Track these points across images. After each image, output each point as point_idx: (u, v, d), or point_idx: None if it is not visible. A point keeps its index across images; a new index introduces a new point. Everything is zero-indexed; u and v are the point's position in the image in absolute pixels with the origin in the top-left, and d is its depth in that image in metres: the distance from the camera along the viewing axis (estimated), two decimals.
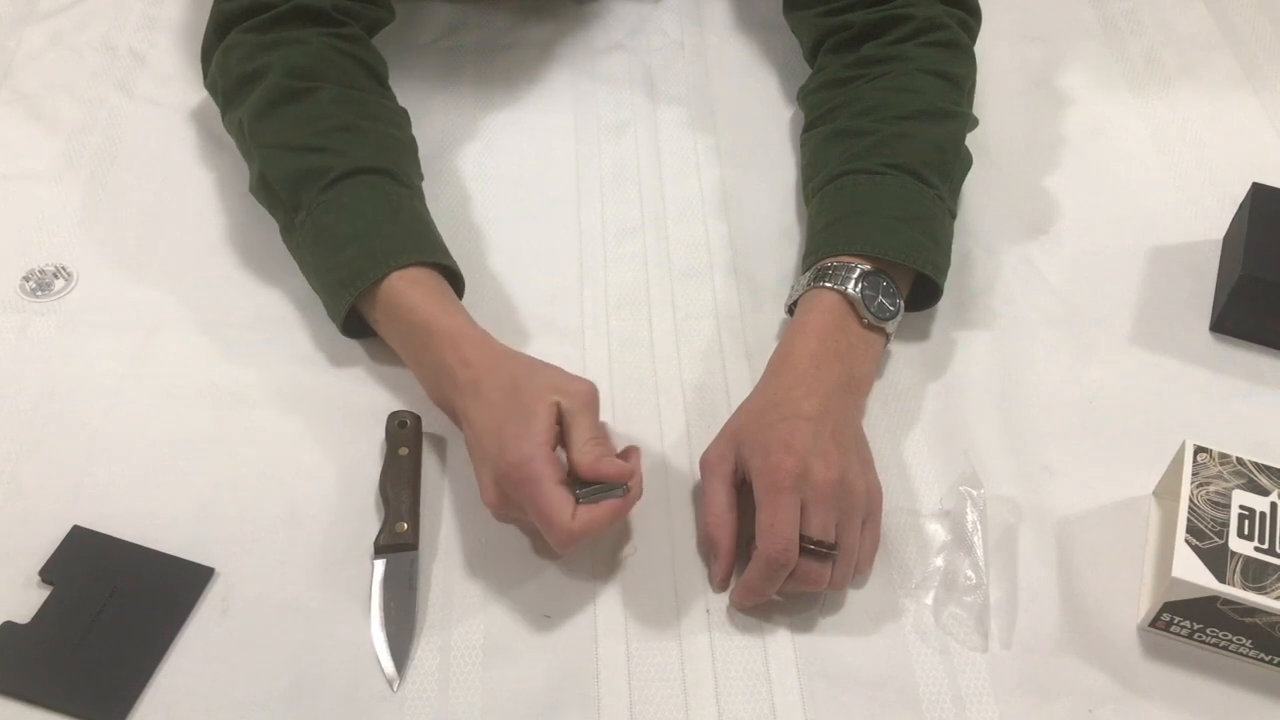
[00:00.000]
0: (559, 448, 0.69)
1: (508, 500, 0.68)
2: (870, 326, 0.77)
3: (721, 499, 0.71)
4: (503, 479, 0.67)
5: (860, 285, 0.77)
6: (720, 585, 0.71)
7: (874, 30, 0.92)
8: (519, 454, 0.66)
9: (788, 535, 0.66)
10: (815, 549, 0.67)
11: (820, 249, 0.81)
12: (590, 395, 0.70)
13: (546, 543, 0.73)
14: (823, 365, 0.74)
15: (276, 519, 0.74)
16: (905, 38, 0.91)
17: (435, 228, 0.83)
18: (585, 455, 0.68)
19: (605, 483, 0.67)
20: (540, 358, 0.73)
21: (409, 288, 0.76)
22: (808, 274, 0.80)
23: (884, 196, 0.81)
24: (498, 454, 0.67)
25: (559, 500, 0.65)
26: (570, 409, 0.69)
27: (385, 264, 0.76)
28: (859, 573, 0.71)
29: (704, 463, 0.73)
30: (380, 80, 0.90)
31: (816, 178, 0.87)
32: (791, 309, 0.82)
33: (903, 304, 0.79)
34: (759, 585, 0.68)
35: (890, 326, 0.79)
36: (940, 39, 0.91)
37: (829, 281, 0.78)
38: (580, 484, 0.67)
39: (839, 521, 0.68)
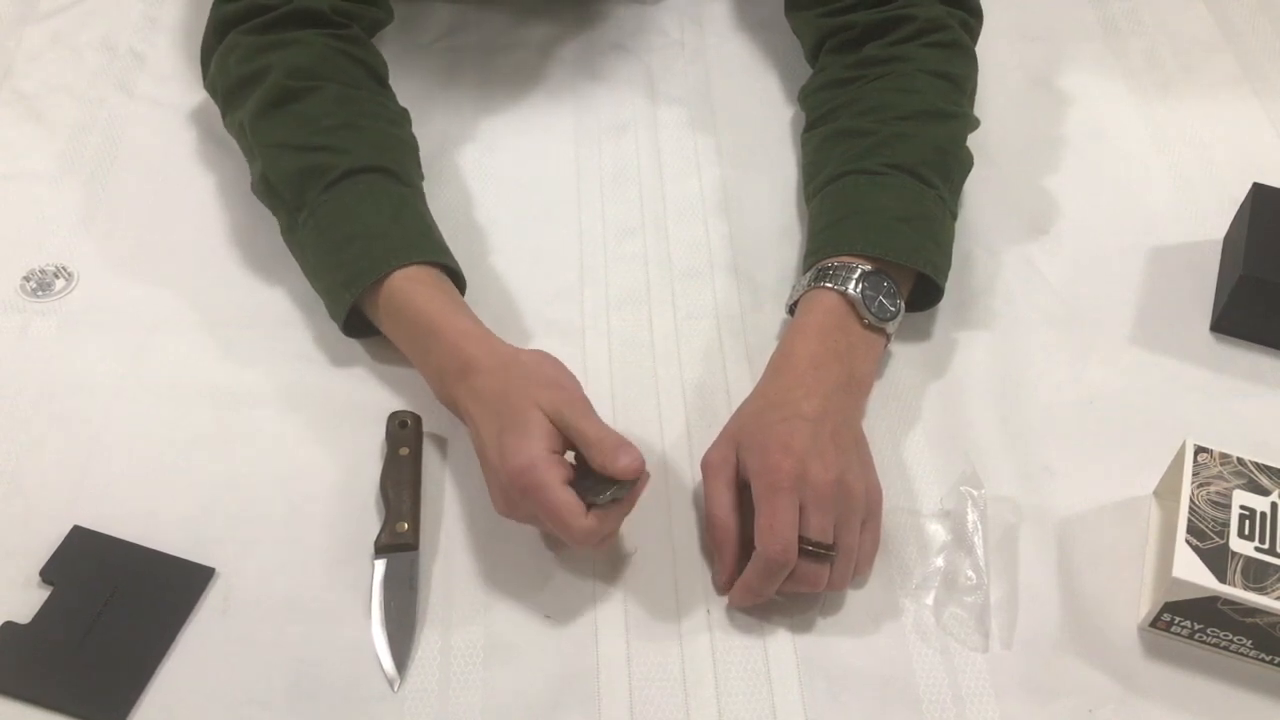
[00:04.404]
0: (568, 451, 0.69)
1: (518, 507, 0.68)
2: (871, 327, 0.77)
3: (724, 501, 0.71)
4: (509, 488, 0.67)
5: (861, 286, 0.77)
6: (724, 588, 0.71)
7: (876, 31, 0.92)
8: (519, 462, 0.66)
9: (786, 536, 0.66)
10: (814, 550, 0.67)
11: (821, 249, 0.81)
12: (573, 400, 0.69)
13: (551, 540, 0.73)
14: (822, 366, 0.74)
15: (276, 519, 0.74)
16: (907, 38, 0.91)
17: (436, 228, 0.83)
18: (599, 455, 0.67)
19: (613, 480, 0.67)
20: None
21: (412, 287, 0.76)
22: (808, 274, 0.80)
23: (885, 197, 0.81)
24: (500, 464, 0.67)
25: (569, 502, 0.65)
26: (562, 417, 0.68)
27: (386, 264, 0.77)
28: (858, 573, 0.71)
29: (705, 464, 0.73)
30: (380, 80, 0.90)
31: (817, 178, 0.87)
32: (792, 309, 0.82)
33: (903, 304, 0.79)
34: (758, 586, 0.68)
35: (890, 327, 0.79)
36: (942, 40, 0.90)
37: (829, 282, 0.77)
38: (588, 487, 0.67)
39: (838, 522, 0.68)
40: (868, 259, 0.79)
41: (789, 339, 0.77)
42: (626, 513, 0.69)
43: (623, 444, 0.67)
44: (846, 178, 0.83)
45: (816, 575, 0.68)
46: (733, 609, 0.71)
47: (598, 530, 0.66)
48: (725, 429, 0.75)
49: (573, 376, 0.72)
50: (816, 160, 0.88)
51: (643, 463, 0.67)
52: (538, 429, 0.67)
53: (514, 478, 0.66)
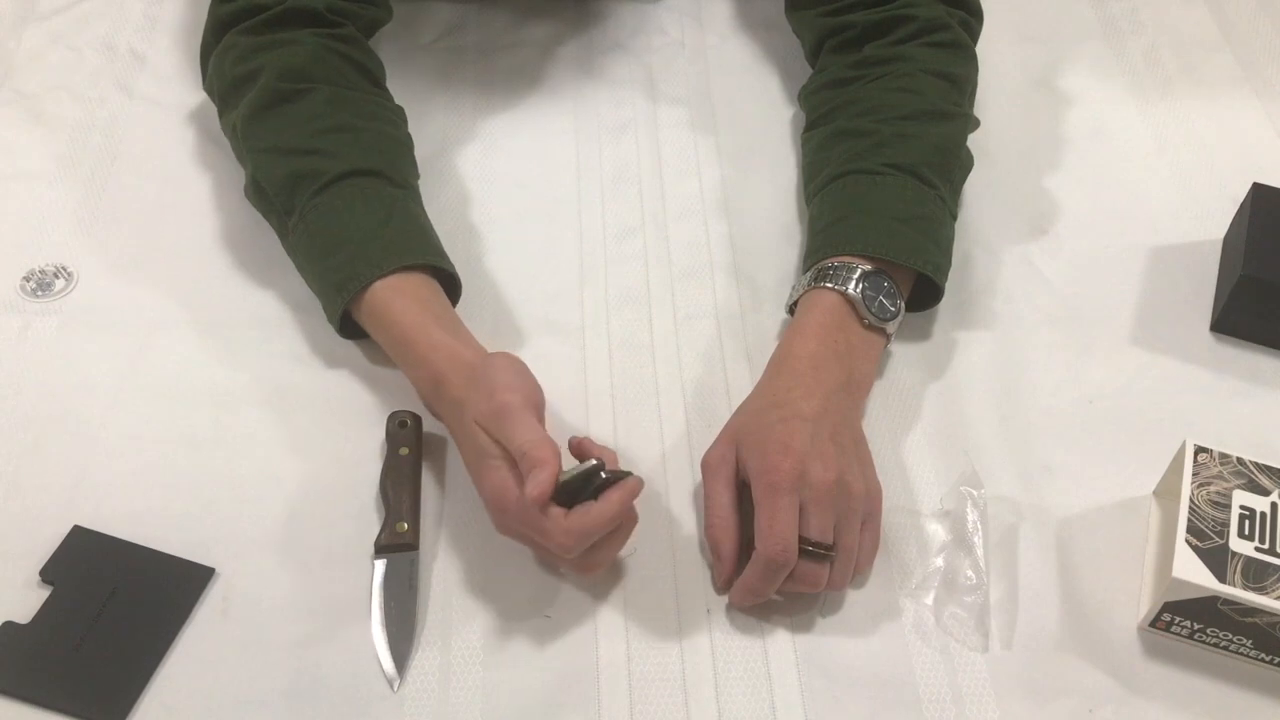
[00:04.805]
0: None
1: (511, 530, 0.68)
2: (870, 327, 0.77)
3: (724, 501, 0.71)
4: (489, 510, 0.68)
5: (861, 286, 0.77)
6: (724, 587, 0.71)
7: (876, 30, 0.92)
8: (488, 489, 0.67)
9: (786, 537, 0.66)
10: (814, 551, 0.67)
11: (821, 249, 0.81)
12: (498, 410, 0.67)
13: (549, 563, 0.73)
14: (822, 366, 0.74)
15: (276, 519, 0.74)
16: (907, 38, 0.91)
17: (430, 228, 0.83)
18: (531, 468, 0.64)
19: (580, 471, 0.65)
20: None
21: (391, 297, 0.76)
22: (808, 274, 0.80)
23: (885, 197, 0.81)
24: (478, 487, 0.68)
25: (547, 516, 0.65)
26: (490, 432, 0.67)
27: (379, 266, 0.76)
28: (858, 573, 0.71)
29: (705, 464, 0.73)
30: (375, 81, 0.90)
31: (818, 178, 0.87)
32: (792, 309, 0.82)
33: (903, 304, 0.79)
34: (758, 586, 0.68)
35: (890, 327, 0.78)
36: (942, 39, 0.90)
37: (829, 282, 0.77)
38: (564, 488, 0.66)
39: (837, 523, 0.68)
40: (868, 259, 0.79)
41: (789, 339, 0.77)
42: (608, 524, 0.66)
43: (534, 465, 0.63)
44: (847, 177, 0.83)
45: (816, 575, 0.68)
46: (733, 609, 0.71)
47: (576, 535, 0.64)
48: (725, 429, 0.75)
49: (515, 380, 0.69)
50: (816, 160, 0.88)
51: (544, 490, 0.63)
52: (493, 449, 0.67)
53: (491, 501, 0.67)
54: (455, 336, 0.75)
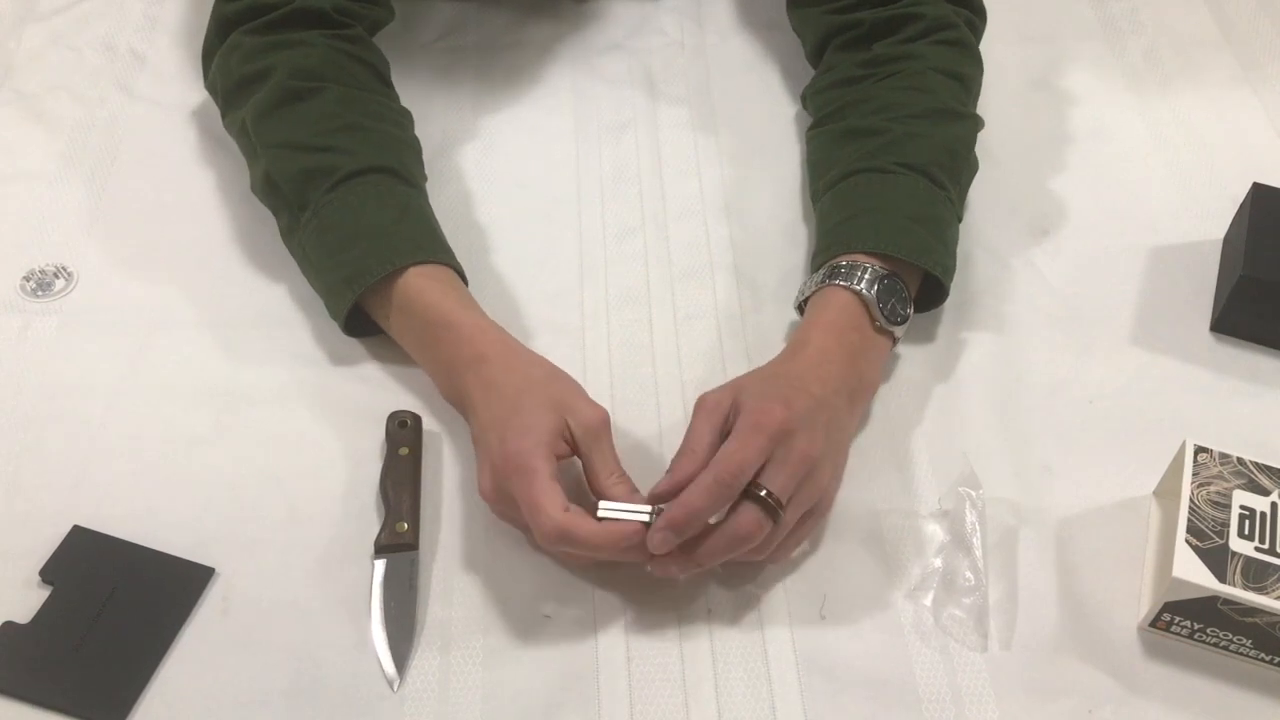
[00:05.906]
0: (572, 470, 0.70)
1: (502, 494, 0.68)
2: (880, 330, 0.77)
3: (705, 439, 0.68)
4: (498, 470, 0.67)
5: (875, 288, 0.76)
6: (660, 498, 0.67)
7: (884, 28, 0.92)
8: (518, 446, 0.66)
9: (743, 466, 0.64)
10: (764, 499, 0.64)
11: (832, 246, 0.80)
12: (603, 424, 0.70)
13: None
14: (834, 361, 0.73)
15: (276, 519, 0.74)
16: (916, 36, 0.90)
17: (440, 228, 0.83)
18: (613, 491, 0.68)
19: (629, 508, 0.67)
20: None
21: (424, 283, 0.77)
22: (819, 272, 0.79)
23: (898, 195, 0.81)
24: (498, 445, 0.67)
25: (550, 492, 0.65)
26: (584, 436, 0.69)
27: (391, 261, 0.77)
28: (776, 559, 0.69)
29: (700, 404, 0.70)
30: (384, 80, 0.90)
31: (827, 175, 0.86)
32: (800, 307, 0.81)
33: (912, 309, 0.79)
34: (695, 504, 0.64)
35: (899, 331, 0.78)
36: (950, 38, 0.90)
37: (842, 280, 0.77)
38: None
39: (792, 498, 0.66)
40: (878, 257, 0.78)
41: (803, 333, 0.76)
42: (608, 543, 0.65)
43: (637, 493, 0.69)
44: (858, 175, 0.83)
45: (755, 526, 0.64)
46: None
47: (565, 530, 0.64)
48: (729, 382, 0.72)
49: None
50: (825, 158, 0.88)
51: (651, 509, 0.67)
52: (548, 424, 0.67)
53: (508, 458, 0.66)
54: (496, 325, 0.76)
